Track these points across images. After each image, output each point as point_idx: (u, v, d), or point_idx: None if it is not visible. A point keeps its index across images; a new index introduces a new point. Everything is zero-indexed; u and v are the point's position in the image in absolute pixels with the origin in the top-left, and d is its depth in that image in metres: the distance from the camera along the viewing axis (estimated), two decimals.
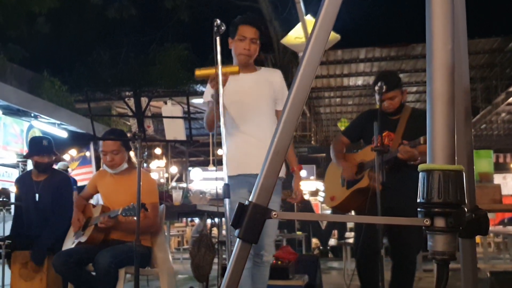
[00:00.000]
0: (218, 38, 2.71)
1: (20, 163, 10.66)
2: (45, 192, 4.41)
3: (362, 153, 3.83)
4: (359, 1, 13.46)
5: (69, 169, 10.39)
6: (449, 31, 0.83)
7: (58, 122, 10.15)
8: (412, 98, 16.35)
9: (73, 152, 12.66)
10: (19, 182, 4.68)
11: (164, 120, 2.54)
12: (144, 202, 3.62)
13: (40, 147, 4.47)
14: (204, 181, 18.22)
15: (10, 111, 9.26)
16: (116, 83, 14.46)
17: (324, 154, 20.54)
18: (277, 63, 12.41)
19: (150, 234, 3.83)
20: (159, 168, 16.77)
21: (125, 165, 3.80)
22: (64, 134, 10.84)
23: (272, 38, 12.38)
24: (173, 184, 18.08)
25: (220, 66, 2.70)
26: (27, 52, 13.09)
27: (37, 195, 4.42)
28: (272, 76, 3.22)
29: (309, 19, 5.90)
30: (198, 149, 18.34)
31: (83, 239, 3.75)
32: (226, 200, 2.66)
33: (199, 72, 2.84)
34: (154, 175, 16.96)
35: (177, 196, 5.45)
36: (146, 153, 17.32)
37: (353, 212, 4.09)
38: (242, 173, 3.06)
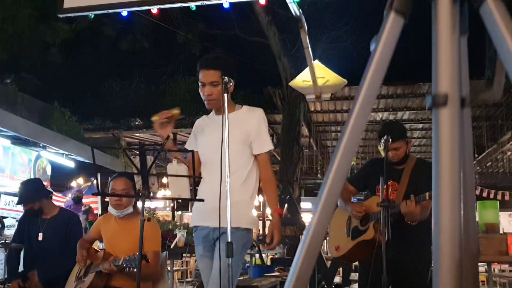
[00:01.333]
0: (226, 95, 2.70)
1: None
2: (51, 230, 4.38)
3: (368, 203, 3.83)
4: (366, 40, 13.58)
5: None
6: None
7: (66, 152, 10.24)
8: (418, 134, 16.38)
9: (80, 180, 12.75)
10: (27, 214, 4.58)
11: (169, 179, 2.55)
12: (146, 251, 3.64)
13: (19, 197, 4.44)
14: None
15: (19, 141, 9.37)
16: (126, 114, 14.61)
17: None
18: (285, 98, 12.47)
19: (152, 281, 3.81)
20: (165, 197, 16.73)
21: (131, 209, 3.80)
22: (71, 164, 10.94)
23: (281, 74, 12.48)
24: (179, 213, 18.03)
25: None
26: (39, 82, 13.28)
27: (40, 234, 4.38)
28: (248, 117, 2.93)
29: (317, 63, 5.99)
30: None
31: (84, 285, 3.73)
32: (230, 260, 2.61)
33: (154, 117, 2.85)
34: (159, 204, 16.91)
35: (180, 237, 5.44)
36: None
37: (357, 263, 4.07)
38: (197, 225, 2.96)
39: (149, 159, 2.57)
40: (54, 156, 10.46)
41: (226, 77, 2.67)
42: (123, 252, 3.63)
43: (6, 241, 4.12)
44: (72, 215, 4.62)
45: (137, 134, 14.12)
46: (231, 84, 2.72)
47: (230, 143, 2.74)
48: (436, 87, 0.83)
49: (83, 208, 8.37)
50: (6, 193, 10.57)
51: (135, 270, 3.24)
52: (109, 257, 3.77)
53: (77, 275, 3.95)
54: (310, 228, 0.89)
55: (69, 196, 12.49)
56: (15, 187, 10.38)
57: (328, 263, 11.13)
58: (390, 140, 3.47)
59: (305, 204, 18.85)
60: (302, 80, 6.14)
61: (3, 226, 10.20)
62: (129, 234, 3.69)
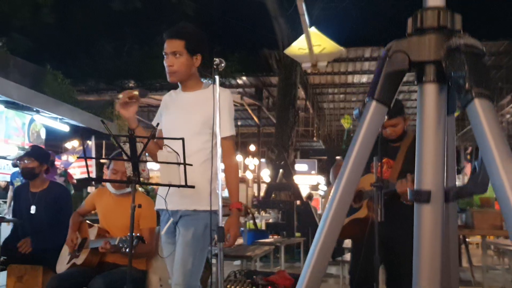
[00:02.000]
0: (217, 77, 2.62)
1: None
2: (41, 204, 4.37)
3: (362, 180, 3.79)
4: (364, 1, 13.31)
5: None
6: None
7: (60, 117, 10.14)
8: (415, 96, 16.33)
9: (75, 143, 12.72)
10: (17, 190, 4.63)
11: (160, 165, 2.51)
12: (142, 229, 3.64)
13: (25, 153, 4.43)
14: None
15: (12, 105, 9.25)
16: (120, 75, 14.41)
17: (324, 147, 20.52)
18: (281, 60, 12.30)
19: (146, 257, 3.81)
20: (155, 183, 16.81)
21: (128, 188, 3.76)
22: (65, 128, 10.85)
23: (277, 35, 12.25)
24: None
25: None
26: (31, 43, 13.04)
27: (32, 207, 4.37)
28: (210, 96, 2.65)
29: (313, 31, 5.84)
30: None
31: (78, 261, 3.72)
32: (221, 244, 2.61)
33: (120, 95, 2.70)
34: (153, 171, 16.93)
35: None
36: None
37: (350, 240, 4.07)
38: (159, 209, 2.87)
39: (139, 146, 2.49)
40: (48, 120, 10.35)
41: (217, 59, 2.56)
42: (118, 228, 3.62)
43: (0, 216, 4.09)
44: (63, 189, 4.59)
45: None
46: (222, 65, 2.60)
47: (190, 123, 2.69)
48: (419, 183, 0.83)
49: (58, 171, 7.86)
50: (1, 157, 10.53)
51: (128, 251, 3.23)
52: (104, 233, 3.76)
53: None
54: (321, 235, 0.91)
55: (64, 158, 12.50)
56: (10, 151, 10.35)
57: None
58: (386, 116, 3.41)
59: (300, 166, 18.98)
60: (298, 47, 6.01)
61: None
62: (125, 211, 3.63)
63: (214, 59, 2.58)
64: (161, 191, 2.77)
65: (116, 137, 3.03)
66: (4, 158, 10.47)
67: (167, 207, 2.65)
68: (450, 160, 0.89)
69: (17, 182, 8.52)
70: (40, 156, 4.43)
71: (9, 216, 7.60)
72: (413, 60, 0.87)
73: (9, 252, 4.21)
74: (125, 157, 2.54)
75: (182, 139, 2.37)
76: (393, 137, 3.60)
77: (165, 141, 2.60)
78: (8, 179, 10.57)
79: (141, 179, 2.63)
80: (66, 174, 7.82)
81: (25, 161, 4.30)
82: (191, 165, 2.46)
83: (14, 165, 8.60)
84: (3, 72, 9.60)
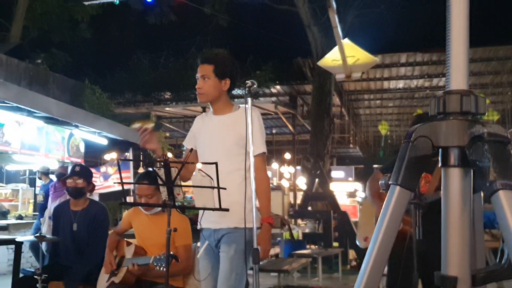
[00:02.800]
0: (249, 99, 2.65)
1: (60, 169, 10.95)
2: (82, 223, 4.43)
3: None
4: (399, 6, 13.10)
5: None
6: None
7: (98, 130, 10.35)
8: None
9: (113, 155, 12.94)
10: (57, 210, 4.71)
11: (194, 189, 2.57)
12: (177, 246, 3.65)
13: (71, 171, 4.50)
14: None
15: (52, 120, 9.48)
16: (156, 87, 14.63)
17: (361, 154, 20.26)
18: (315, 68, 12.22)
19: (182, 275, 3.82)
20: (190, 207, 16.93)
21: (159, 208, 3.79)
22: (104, 142, 11.07)
23: (311, 43, 12.20)
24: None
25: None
26: (70, 58, 13.40)
27: (74, 225, 4.44)
28: (240, 118, 2.80)
29: (346, 42, 5.78)
30: None
31: (116, 279, 3.77)
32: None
33: (135, 124, 2.81)
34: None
35: None
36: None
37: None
38: (202, 228, 2.99)
39: (174, 170, 2.52)
40: (86, 134, 10.58)
41: (249, 82, 2.63)
42: (155, 246, 3.65)
43: (41, 234, 4.17)
44: (101, 207, 4.65)
45: (167, 108, 14.16)
46: (254, 86, 2.68)
47: (225, 144, 2.84)
48: (445, 268, 0.82)
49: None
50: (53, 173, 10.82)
51: (164, 269, 3.25)
52: (140, 251, 3.79)
53: None
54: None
55: (103, 170, 12.73)
56: (51, 165, 10.62)
57: None
58: None
59: (337, 173, 18.78)
60: (331, 59, 5.96)
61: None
62: (160, 229, 3.67)
63: (246, 81, 2.67)
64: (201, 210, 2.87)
65: (151, 162, 3.07)
66: (46, 173, 10.75)
67: (209, 226, 2.84)
68: (478, 240, 0.87)
69: (40, 196, 8.74)
70: (88, 175, 4.52)
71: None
72: (436, 145, 0.88)
73: (50, 270, 4.29)
74: (160, 182, 2.57)
75: (216, 163, 2.43)
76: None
77: (199, 165, 2.67)
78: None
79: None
80: None
81: (76, 180, 4.37)
82: (224, 188, 2.49)
83: (39, 178, 8.69)
84: (43, 89, 9.87)
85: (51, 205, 7.67)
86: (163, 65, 15.25)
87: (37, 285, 4.09)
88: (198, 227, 3.00)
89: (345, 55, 5.70)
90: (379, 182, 3.03)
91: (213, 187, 2.49)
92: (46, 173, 8.75)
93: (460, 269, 0.81)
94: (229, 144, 2.83)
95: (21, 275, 4.82)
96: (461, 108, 0.85)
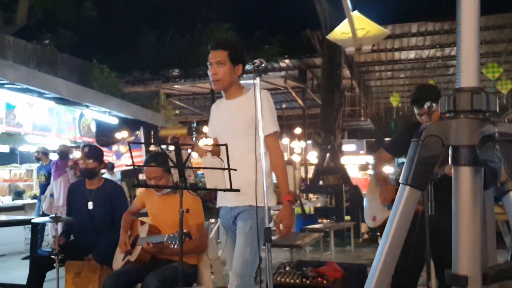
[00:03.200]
0: (258, 79, 2.63)
1: (73, 150, 11.03)
2: (98, 201, 4.46)
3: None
4: None
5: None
6: None
7: (108, 110, 10.40)
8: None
9: (124, 134, 13.01)
10: (72, 188, 4.70)
11: (205, 171, 2.58)
12: (189, 225, 3.67)
13: (81, 153, 4.53)
14: None
15: (62, 101, 9.54)
16: (164, 65, 14.56)
17: (372, 127, 20.14)
18: (324, 40, 12.04)
19: (196, 253, 3.86)
20: (207, 146, 16.93)
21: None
22: (114, 121, 11.13)
23: (319, 15, 12.00)
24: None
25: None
26: (76, 37, 13.34)
27: (90, 203, 4.47)
28: (250, 100, 2.85)
29: (356, 14, 5.66)
30: None
31: (132, 258, 3.82)
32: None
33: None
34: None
35: None
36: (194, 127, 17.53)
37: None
38: (220, 206, 3.12)
39: (185, 153, 2.52)
40: (97, 114, 10.65)
41: (257, 61, 2.63)
42: (168, 226, 3.69)
43: (57, 215, 4.21)
44: (116, 186, 4.68)
45: (176, 86, 14.12)
46: (263, 65, 2.68)
47: (238, 127, 2.91)
48: (455, 267, 0.81)
49: (70, 163, 7.66)
50: (55, 151, 10.90)
51: (177, 247, 3.29)
52: (154, 230, 3.83)
53: None
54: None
55: (115, 148, 12.82)
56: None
57: None
58: (434, 105, 3.27)
59: (348, 147, 18.73)
60: (340, 32, 5.85)
61: None
62: (173, 209, 3.71)
63: (255, 60, 2.67)
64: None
65: (161, 143, 3.07)
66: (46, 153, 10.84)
67: (226, 204, 2.96)
68: (489, 237, 0.87)
69: (41, 176, 8.77)
70: (99, 156, 4.54)
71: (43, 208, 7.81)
72: (446, 144, 0.87)
73: (66, 249, 4.33)
74: (171, 164, 2.57)
75: (226, 145, 2.50)
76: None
77: (208, 144, 2.71)
78: None
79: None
80: (76, 167, 7.74)
81: (86, 161, 4.40)
82: (235, 169, 2.52)
83: (37, 159, 8.68)
84: (52, 69, 9.88)
85: (53, 183, 7.81)
86: (170, 42, 15.16)
87: (54, 265, 4.15)
88: (218, 205, 3.11)
89: (355, 28, 5.59)
90: (390, 178, 2.98)
91: (223, 168, 2.50)
92: (45, 153, 8.74)
93: (471, 267, 0.80)
94: (241, 126, 2.89)
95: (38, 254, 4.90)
96: (472, 106, 0.84)
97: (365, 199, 4.03)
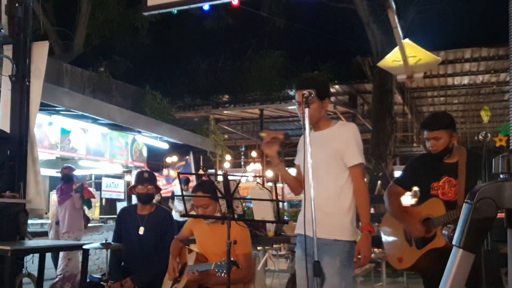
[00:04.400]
0: (307, 110, 2.63)
1: (125, 174, 11.29)
2: (149, 227, 4.45)
3: (426, 206, 3.46)
4: (463, 1, 12.55)
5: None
6: None
7: (159, 136, 10.62)
8: None
9: (174, 158, 13.22)
10: (123, 213, 4.71)
11: (253, 202, 2.58)
12: (236, 254, 3.63)
13: (141, 178, 4.55)
14: None
15: (116, 127, 9.81)
16: (214, 91, 14.80)
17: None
18: (375, 66, 11.90)
19: (243, 283, 3.81)
20: (255, 171, 16.96)
21: (218, 215, 3.79)
22: (165, 146, 11.34)
23: (370, 41, 11.90)
24: (269, 184, 18.22)
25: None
26: (131, 64, 13.78)
27: (141, 229, 4.47)
28: (340, 132, 3.07)
29: (407, 42, 5.56)
30: (294, 149, 18.33)
31: (179, 286, 3.81)
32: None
33: (263, 133, 3.01)
34: (249, 176, 17.17)
35: (271, 227, 5.39)
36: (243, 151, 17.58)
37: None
38: (298, 233, 3.13)
39: (232, 184, 2.50)
40: (148, 139, 10.87)
41: (306, 92, 2.72)
42: (215, 254, 3.67)
43: (107, 241, 4.24)
44: (167, 213, 4.68)
45: (226, 111, 14.29)
46: (312, 96, 2.78)
47: (324, 158, 2.99)
48: None
49: (74, 186, 7.23)
50: (107, 176, 11.19)
51: (225, 275, 3.26)
52: (202, 258, 3.81)
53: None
54: None
55: (165, 173, 13.01)
56: (115, 170, 10.97)
57: None
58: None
59: (398, 174, 18.22)
60: (392, 60, 5.76)
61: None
62: (220, 238, 3.68)
63: (304, 92, 2.75)
64: (301, 217, 3.03)
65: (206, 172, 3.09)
66: (112, 176, 11.13)
67: (307, 233, 2.91)
68: None
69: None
70: (155, 180, 4.59)
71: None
72: (500, 206, 0.85)
73: (116, 276, 4.35)
74: (219, 195, 2.56)
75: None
76: (435, 151, 3.39)
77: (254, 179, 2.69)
78: (114, 197, 11.18)
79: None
80: (82, 190, 7.47)
81: (147, 186, 4.43)
82: (283, 201, 2.50)
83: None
84: (106, 96, 10.22)
85: (58, 209, 7.37)
86: (221, 68, 15.42)
87: None
88: (296, 231, 3.15)
89: (406, 56, 5.49)
90: (442, 233, 2.85)
91: (272, 200, 2.47)
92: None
93: None
94: (326, 158, 3.00)
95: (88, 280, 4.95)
96: None
97: (383, 238, 3.83)
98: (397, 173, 16.92)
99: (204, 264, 3.65)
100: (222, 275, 3.32)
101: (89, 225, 9.39)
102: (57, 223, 7.20)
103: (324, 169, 2.96)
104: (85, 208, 7.47)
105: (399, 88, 14.30)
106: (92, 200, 10.43)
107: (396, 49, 5.58)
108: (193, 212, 5.24)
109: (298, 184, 3.17)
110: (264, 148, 3.01)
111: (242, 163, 18.14)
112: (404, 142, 18.20)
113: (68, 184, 7.33)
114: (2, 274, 4.03)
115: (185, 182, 9.86)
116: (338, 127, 3.09)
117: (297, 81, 3.14)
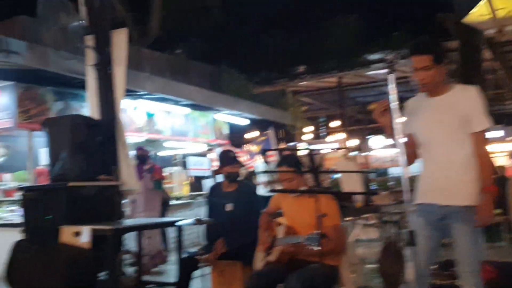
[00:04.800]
0: (392, 75, 2.54)
1: (209, 152, 11.54)
2: (236, 203, 4.58)
3: None
4: None
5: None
6: None
7: (239, 112, 10.75)
8: None
9: (255, 133, 13.35)
10: (212, 191, 4.92)
11: (342, 174, 2.54)
12: (325, 226, 3.59)
13: (229, 159, 4.67)
14: (385, 148, 17.72)
15: (196, 107, 10.04)
16: (290, 63, 14.67)
17: None
18: (459, 22, 11.17)
19: (335, 254, 3.78)
20: (338, 141, 16.72)
21: (304, 188, 3.80)
22: (245, 122, 11.48)
23: None
24: (354, 153, 17.93)
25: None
26: (206, 44, 13.94)
27: (228, 205, 4.59)
28: (460, 96, 2.99)
29: None
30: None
31: (271, 258, 3.86)
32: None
33: (372, 106, 3.05)
34: (333, 146, 16.95)
35: (358, 198, 5.30)
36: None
37: None
38: (422, 202, 3.07)
39: (319, 157, 2.46)
40: (228, 117, 11.04)
41: (391, 56, 2.79)
42: (304, 227, 3.68)
43: (198, 218, 4.38)
44: (252, 188, 4.78)
45: (303, 83, 14.13)
46: (397, 60, 2.82)
47: (445, 124, 2.97)
48: None
49: (146, 167, 7.31)
50: (192, 154, 11.50)
51: (316, 248, 3.29)
52: (291, 231, 3.83)
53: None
54: None
55: (246, 148, 13.16)
56: (199, 149, 11.26)
57: None
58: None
59: (493, 134, 17.19)
60: (478, 14, 5.36)
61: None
62: (307, 211, 3.70)
63: (386, 57, 2.81)
64: (426, 186, 3.06)
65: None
66: (196, 155, 11.43)
67: (436, 201, 2.98)
68: None
69: None
70: (239, 159, 4.76)
71: None
72: None
73: (210, 250, 4.49)
74: (305, 169, 2.55)
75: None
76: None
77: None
78: (200, 174, 11.45)
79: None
80: (152, 171, 7.45)
81: (234, 166, 4.61)
82: (372, 172, 2.46)
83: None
84: (185, 77, 10.45)
85: None
86: (296, 40, 15.22)
87: (199, 265, 4.34)
88: (415, 202, 3.07)
89: (494, 8, 5.08)
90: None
91: (358, 172, 2.42)
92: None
93: None
94: (450, 124, 2.96)
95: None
96: None
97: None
98: (490, 133, 15.98)
99: (295, 237, 3.70)
100: (313, 247, 3.37)
101: (178, 202, 9.78)
102: (133, 201, 7.31)
103: (448, 136, 2.95)
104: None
105: (488, 43, 13.38)
106: (180, 178, 10.81)
107: (483, 2, 5.16)
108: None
109: (411, 152, 3.10)
110: (378, 118, 3.04)
111: (323, 134, 17.95)
112: (495, 100, 17.13)
113: (143, 165, 7.46)
114: (104, 252, 4.25)
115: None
116: (459, 91, 3.02)
117: (412, 46, 3.07)
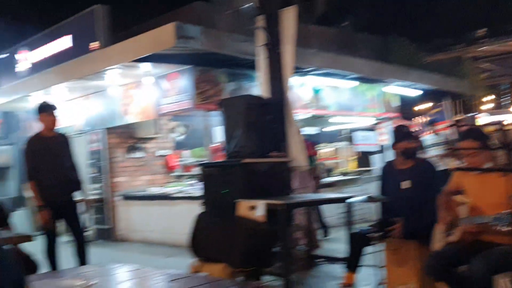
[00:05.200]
0: None
1: (376, 126, 11.21)
2: (411, 180, 4.40)
3: None
4: None
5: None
6: None
7: (409, 83, 10.27)
8: None
9: (428, 105, 12.67)
10: (384, 168, 4.80)
11: None
12: None
13: (404, 134, 4.52)
14: None
15: (363, 80, 9.82)
16: (466, 27, 13.53)
17: None
18: None
19: None
20: None
21: (488, 165, 3.48)
22: (416, 93, 10.95)
23: None
24: None
25: None
26: (371, 15, 13.42)
27: (403, 183, 4.42)
28: None
29: None
30: None
31: (453, 239, 3.64)
32: None
33: None
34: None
35: None
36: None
37: None
38: None
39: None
40: (398, 89, 10.61)
41: None
42: (491, 206, 3.43)
43: (370, 196, 4.29)
44: (429, 165, 4.53)
45: (482, 48, 12.99)
46: None
47: None
48: None
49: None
50: (359, 129, 11.31)
51: (505, 228, 3.08)
52: (475, 210, 3.59)
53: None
54: None
55: (418, 121, 12.53)
56: (366, 123, 11.02)
57: None
58: None
59: None
60: None
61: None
62: (494, 188, 3.42)
63: None
64: None
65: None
66: (363, 129, 11.21)
67: None
68: None
69: None
70: (415, 135, 4.69)
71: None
72: None
73: (383, 228, 4.37)
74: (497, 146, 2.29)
75: None
76: None
77: None
78: (367, 149, 11.20)
79: None
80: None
81: (411, 142, 4.45)
82: None
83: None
84: (351, 51, 10.25)
85: None
86: (473, 0, 13.91)
87: (370, 242, 4.26)
88: None
89: None
90: None
91: None
92: None
93: None
94: None
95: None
96: None
97: None
98: None
99: (481, 217, 3.46)
100: (502, 228, 3.13)
101: (345, 178, 9.73)
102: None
103: None
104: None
105: None
106: (346, 154, 10.72)
107: None
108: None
109: None
110: None
111: (506, 103, 16.35)
112: None
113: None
114: (276, 226, 4.39)
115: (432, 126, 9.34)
116: None
117: None
